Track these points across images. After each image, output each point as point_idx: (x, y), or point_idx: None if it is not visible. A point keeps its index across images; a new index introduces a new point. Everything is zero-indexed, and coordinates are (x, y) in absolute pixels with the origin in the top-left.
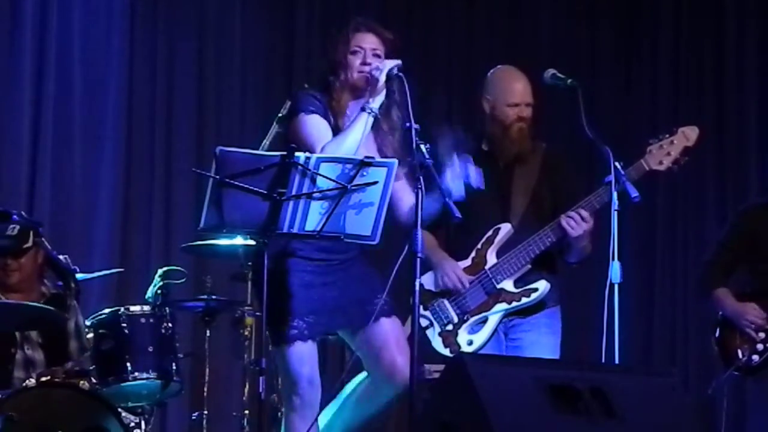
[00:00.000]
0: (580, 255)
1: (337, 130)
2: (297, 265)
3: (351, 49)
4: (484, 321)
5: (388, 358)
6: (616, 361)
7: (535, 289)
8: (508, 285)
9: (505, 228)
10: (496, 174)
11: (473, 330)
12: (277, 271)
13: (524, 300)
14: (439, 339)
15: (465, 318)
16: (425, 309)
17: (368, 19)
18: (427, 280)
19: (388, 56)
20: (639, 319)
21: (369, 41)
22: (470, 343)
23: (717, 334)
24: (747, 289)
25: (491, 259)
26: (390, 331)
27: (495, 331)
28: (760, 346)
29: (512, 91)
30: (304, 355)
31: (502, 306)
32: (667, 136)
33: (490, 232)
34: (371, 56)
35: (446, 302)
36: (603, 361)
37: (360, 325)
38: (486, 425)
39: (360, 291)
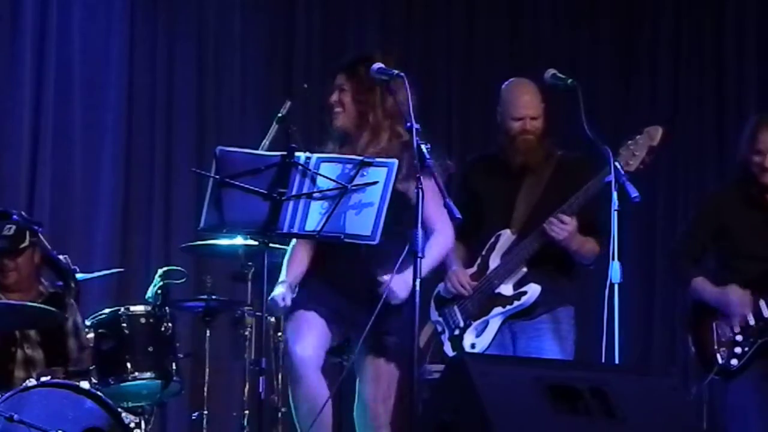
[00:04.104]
0: (582, 256)
1: None
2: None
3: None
4: (486, 325)
5: (370, 396)
6: (616, 361)
7: (524, 292)
8: (505, 289)
9: (505, 234)
10: (506, 182)
11: (477, 334)
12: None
13: (516, 303)
14: (449, 344)
15: (468, 323)
16: (439, 315)
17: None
18: (442, 288)
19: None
20: (639, 319)
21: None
22: (473, 346)
23: (692, 334)
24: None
25: (493, 264)
26: (385, 372)
27: (497, 334)
28: (738, 349)
29: (516, 105)
30: (301, 327)
31: (498, 310)
32: (636, 137)
33: (492, 239)
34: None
35: (455, 308)
36: (603, 361)
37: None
38: (486, 425)
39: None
